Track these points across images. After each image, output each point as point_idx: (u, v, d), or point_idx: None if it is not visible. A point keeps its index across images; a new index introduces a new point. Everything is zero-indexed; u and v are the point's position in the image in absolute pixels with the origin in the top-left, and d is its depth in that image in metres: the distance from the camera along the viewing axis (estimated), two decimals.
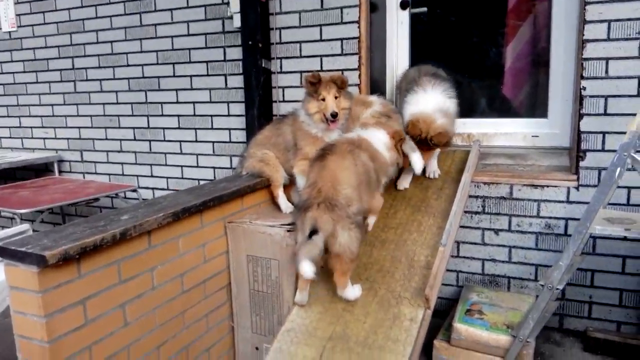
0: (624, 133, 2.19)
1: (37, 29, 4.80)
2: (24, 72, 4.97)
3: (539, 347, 2.95)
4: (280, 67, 3.80)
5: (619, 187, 2.32)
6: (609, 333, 2.94)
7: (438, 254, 2.37)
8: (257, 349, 2.75)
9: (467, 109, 3.62)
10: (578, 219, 2.40)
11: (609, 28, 2.84)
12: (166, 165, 4.44)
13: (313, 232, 2.16)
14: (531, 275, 3.19)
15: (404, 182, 3.06)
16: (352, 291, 2.37)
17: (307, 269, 2.10)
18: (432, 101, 2.85)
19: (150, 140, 4.47)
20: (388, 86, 3.73)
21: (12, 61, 5.02)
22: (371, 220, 2.75)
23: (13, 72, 5.04)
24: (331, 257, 2.26)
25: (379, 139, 2.69)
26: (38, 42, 4.83)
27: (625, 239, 2.92)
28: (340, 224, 2.19)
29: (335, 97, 2.68)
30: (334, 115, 2.64)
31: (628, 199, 2.91)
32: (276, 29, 3.75)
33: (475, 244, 3.30)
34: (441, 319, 3.03)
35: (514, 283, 3.24)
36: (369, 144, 2.60)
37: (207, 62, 4.07)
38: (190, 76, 4.17)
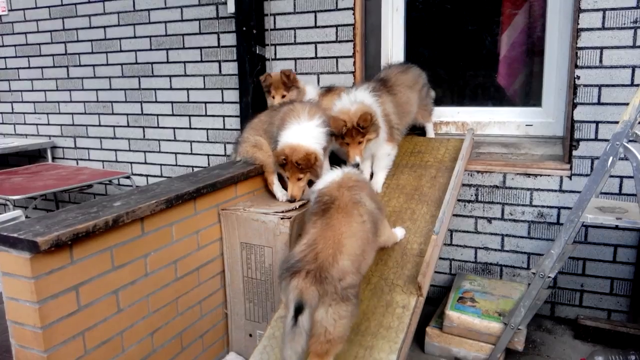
0: (617, 122, 2.20)
1: (29, 13, 4.74)
2: (16, 57, 4.91)
3: (531, 335, 2.98)
4: (275, 54, 3.77)
5: (611, 176, 2.33)
6: (600, 321, 2.97)
7: (431, 242, 2.38)
8: (250, 335, 2.76)
9: (460, 97, 3.63)
10: (570, 208, 2.41)
11: (603, 17, 2.83)
12: (160, 152, 4.42)
13: (298, 309, 1.73)
14: (523, 263, 3.22)
15: None
16: None
17: None
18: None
19: (143, 127, 4.45)
20: None
21: (3, 45, 4.95)
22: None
23: (4, 57, 4.98)
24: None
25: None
26: (30, 26, 4.77)
27: (616, 228, 2.94)
28: (322, 298, 1.79)
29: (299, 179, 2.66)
30: (292, 201, 2.69)
31: (620, 188, 2.93)
32: (270, 14, 3.71)
33: (468, 232, 3.31)
34: (434, 306, 3.06)
35: (506, 271, 3.27)
36: (365, 183, 2.35)
37: (200, 48, 4.04)
38: (184, 62, 4.14)
